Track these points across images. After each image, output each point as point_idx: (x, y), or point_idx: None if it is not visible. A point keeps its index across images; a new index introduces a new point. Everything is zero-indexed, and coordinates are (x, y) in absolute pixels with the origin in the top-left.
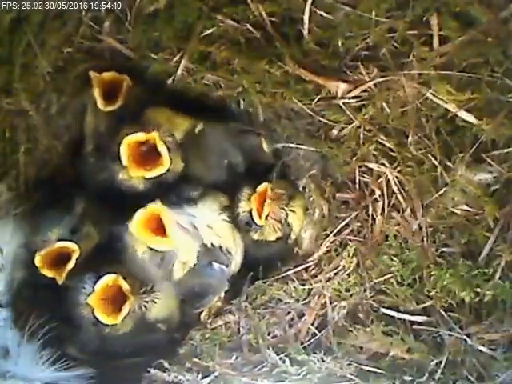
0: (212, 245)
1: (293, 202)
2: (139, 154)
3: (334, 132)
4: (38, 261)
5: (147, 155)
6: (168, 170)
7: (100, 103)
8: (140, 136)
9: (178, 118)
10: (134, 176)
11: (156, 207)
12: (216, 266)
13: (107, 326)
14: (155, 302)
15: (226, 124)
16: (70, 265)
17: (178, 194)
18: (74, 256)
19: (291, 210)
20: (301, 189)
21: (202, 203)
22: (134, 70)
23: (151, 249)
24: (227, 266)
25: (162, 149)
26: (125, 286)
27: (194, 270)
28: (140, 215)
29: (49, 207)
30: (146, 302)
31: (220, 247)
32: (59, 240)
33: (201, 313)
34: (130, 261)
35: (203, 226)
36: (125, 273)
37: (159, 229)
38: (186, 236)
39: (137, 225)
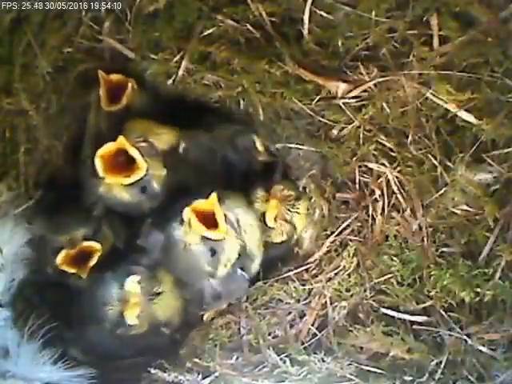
0: (245, 247)
1: (298, 204)
2: (117, 166)
3: (334, 132)
4: (60, 258)
5: (126, 166)
6: (148, 176)
7: (104, 102)
8: (110, 145)
9: (162, 129)
10: (113, 183)
11: (210, 200)
12: (239, 272)
13: (130, 326)
14: (162, 303)
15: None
16: (92, 262)
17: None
18: (96, 255)
19: (297, 212)
20: (301, 189)
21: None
22: (134, 71)
23: (203, 240)
24: (248, 272)
25: (134, 152)
26: None
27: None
28: (188, 210)
29: (72, 207)
30: (155, 303)
31: (246, 250)
32: (85, 239)
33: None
34: (177, 259)
35: (245, 223)
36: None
37: (208, 223)
38: (231, 230)
39: (190, 217)
